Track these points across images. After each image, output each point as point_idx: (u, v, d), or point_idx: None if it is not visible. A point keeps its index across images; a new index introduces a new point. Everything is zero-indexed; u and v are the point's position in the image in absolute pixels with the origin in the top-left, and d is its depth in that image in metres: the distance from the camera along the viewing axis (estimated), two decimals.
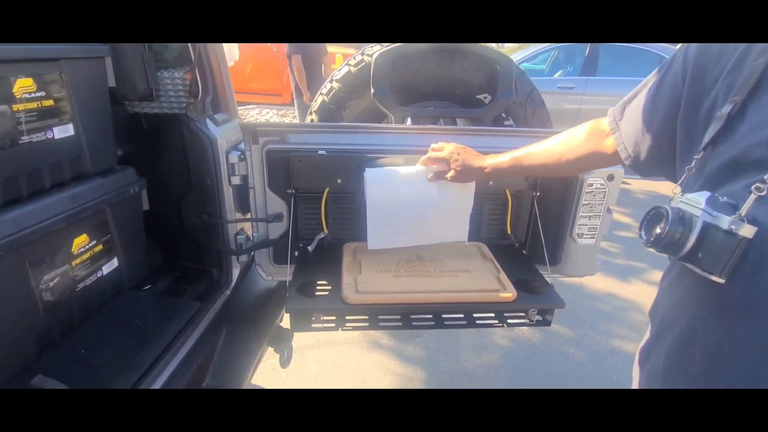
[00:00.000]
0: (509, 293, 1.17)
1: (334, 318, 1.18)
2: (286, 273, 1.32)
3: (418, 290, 1.17)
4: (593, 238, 1.45)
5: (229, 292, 1.43)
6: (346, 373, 2.18)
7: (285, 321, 1.44)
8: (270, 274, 1.45)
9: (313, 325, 1.16)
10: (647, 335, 0.82)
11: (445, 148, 1.17)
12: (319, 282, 1.24)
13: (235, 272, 1.47)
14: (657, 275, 0.82)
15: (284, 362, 1.49)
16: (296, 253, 1.40)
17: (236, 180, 1.34)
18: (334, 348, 2.35)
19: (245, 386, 1.27)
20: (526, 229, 1.49)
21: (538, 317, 1.24)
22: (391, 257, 1.32)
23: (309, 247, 1.40)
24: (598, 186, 1.37)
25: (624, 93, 0.84)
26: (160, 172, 1.32)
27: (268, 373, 2.14)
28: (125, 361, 1.04)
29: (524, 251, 1.50)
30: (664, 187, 5.13)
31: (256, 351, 1.32)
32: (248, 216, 1.39)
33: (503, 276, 1.24)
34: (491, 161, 1.10)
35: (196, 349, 1.20)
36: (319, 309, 1.13)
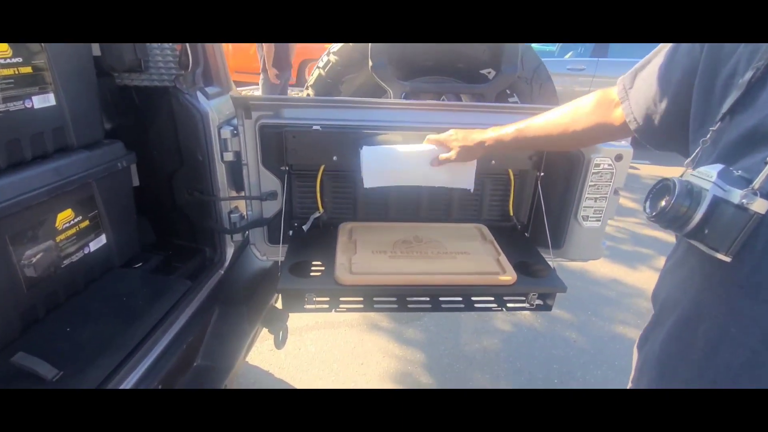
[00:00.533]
0: (509, 276, 1.13)
1: (327, 299, 1.14)
2: (281, 252, 1.29)
3: (413, 272, 1.13)
4: (599, 221, 1.39)
5: (222, 272, 1.40)
6: (344, 355, 2.17)
7: (280, 302, 1.41)
8: (265, 254, 1.42)
9: (305, 306, 1.12)
10: (649, 319, 0.78)
11: (443, 134, 1.14)
12: (313, 262, 1.21)
13: (229, 251, 1.43)
14: (663, 262, 0.79)
15: (279, 344, 1.46)
16: (290, 233, 1.36)
17: (229, 156, 1.30)
18: (333, 329, 2.33)
19: (238, 367, 1.24)
20: (528, 211, 1.44)
21: (539, 301, 1.20)
22: (388, 237, 1.28)
23: (304, 227, 1.37)
24: (606, 166, 1.31)
25: None
26: (150, 146, 1.28)
27: (266, 353, 2.13)
28: (111, 339, 1.01)
29: (526, 234, 1.45)
30: (675, 173, 5.02)
31: (249, 332, 1.30)
32: (242, 194, 1.35)
33: (503, 258, 1.20)
34: (492, 134, 1.05)
35: (187, 328, 1.17)
36: (312, 289, 1.10)
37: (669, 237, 3.03)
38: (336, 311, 1.15)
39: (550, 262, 1.27)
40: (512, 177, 1.39)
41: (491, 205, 1.45)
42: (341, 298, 1.14)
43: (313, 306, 1.13)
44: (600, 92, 0.85)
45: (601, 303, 2.67)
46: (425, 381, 2.05)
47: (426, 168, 1.17)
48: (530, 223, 1.44)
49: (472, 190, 1.23)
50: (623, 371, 2.16)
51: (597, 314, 2.56)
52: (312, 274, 1.18)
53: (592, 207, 1.37)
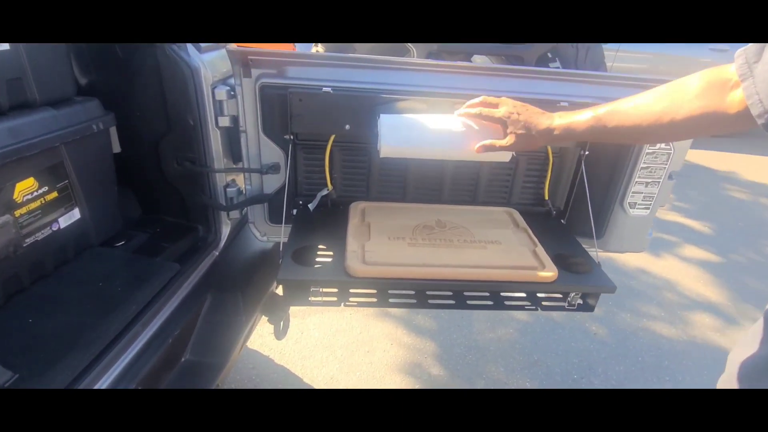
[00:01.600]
0: (549, 272, 0.96)
1: (335, 290, 0.98)
2: (282, 233, 1.12)
3: (438, 263, 0.96)
4: (648, 209, 1.22)
5: (217, 253, 1.24)
6: (350, 341, 2.03)
7: (281, 288, 1.25)
8: (265, 234, 1.26)
9: (310, 299, 0.97)
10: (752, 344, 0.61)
11: (501, 104, 0.92)
12: (319, 247, 1.04)
13: (225, 230, 1.27)
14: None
15: (279, 334, 1.32)
16: (294, 212, 1.19)
17: (225, 121, 1.12)
18: (338, 313, 2.19)
19: (232, 362, 1.10)
20: (567, 195, 1.26)
21: (579, 301, 1.03)
22: (406, 221, 1.11)
23: (309, 205, 1.20)
24: (663, 146, 1.12)
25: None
26: (133, 107, 1.10)
27: (267, 337, 1.99)
28: (82, 333, 0.86)
29: (563, 221, 1.28)
30: (703, 157, 4.79)
31: (245, 322, 1.15)
32: (240, 166, 1.18)
33: (540, 250, 1.03)
34: (562, 121, 0.84)
35: (174, 318, 1.02)
36: (318, 281, 0.94)
37: (695, 224, 2.83)
38: (345, 305, 0.99)
39: (592, 255, 1.10)
40: (551, 155, 1.21)
41: (524, 187, 1.27)
42: (351, 290, 0.98)
43: (319, 299, 0.97)
44: (708, 71, 0.66)
45: (623, 294, 2.51)
46: (435, 372, 1.91)
47: (453, 139, 0.99)
48: (568, 209, 1.26)
49: (508, 160, 1.05)
50: (648, 368, 2.02)
51: (619, 305, 2.40)
52: (317, 262, 1.01)
53: (642, 193, 1.19)
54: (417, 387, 1.82)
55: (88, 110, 0.99)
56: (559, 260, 1.03)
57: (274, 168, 1.14)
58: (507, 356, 2.03)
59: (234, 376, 1.79)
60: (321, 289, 0.95)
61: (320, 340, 2.03)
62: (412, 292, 1.01)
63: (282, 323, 1.32)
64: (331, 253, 1.01)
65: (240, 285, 1.21)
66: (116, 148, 1.10)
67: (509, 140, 0.90)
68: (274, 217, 1.22)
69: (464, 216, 1.16)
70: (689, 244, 3.04)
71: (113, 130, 1.07)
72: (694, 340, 2.21)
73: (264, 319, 1.34)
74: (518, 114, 0.88)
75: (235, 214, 1.27)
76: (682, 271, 2.77)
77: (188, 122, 1.08)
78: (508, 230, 1.12)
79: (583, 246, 1.15)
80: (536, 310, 1.04)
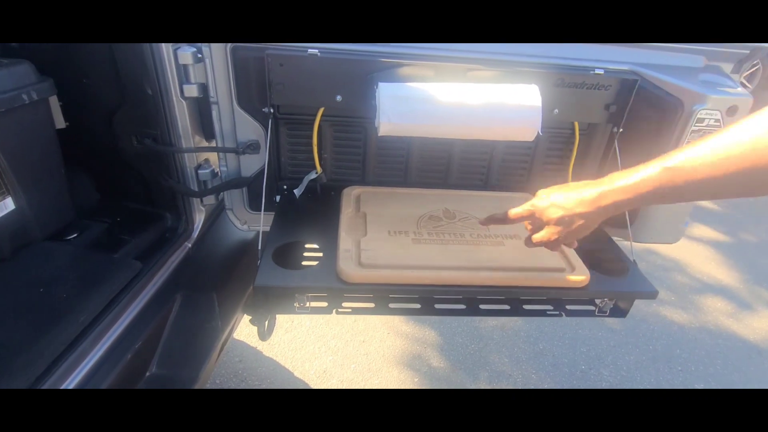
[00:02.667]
0: (580, 275, 0.81)
1: (325, 295, 0.83)
2: (262, 224, 0.96)
3: (448, 265, 0.80)
4: None
5: (190, 245, 1.07)
6: (344, 331, 1.90)
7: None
8: (246, 223, 1.10)
9: (295, 306, 0.81)
10: None
11: (545, 222, 0.71)
12: (306, 245, 0.88)
13: (199, 218, 1.10)
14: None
15: (263, 335, 1.17)
16: (277, 199, 1.02)
17: (192, 90, 0.93)
18: None
19: (207, 374, 0.95)
20: (595, 178, 1.09)
21: (611, 305, 0.89)
22: (409, 210, 0.95)
23: (295, 191, 1.03)
24: (712, 122, 0.95)
25: None
26: (77, 73, 0.91)
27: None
28: (20, 349, 0.70)
29: None
30: None
31: (223, 327, 0.99)
32: (213, 144, 1.00)
33: (568, 248, 0.87)
34: (615, 184, 0.64)
35: (136, 327, 0.86)
36: (304, 288, 0.78)
37: (706, 203, 2.68)
38: (338, 312, 0.84)
39: (622, 249, 0.95)
40: (577, 132, 1.04)
41: (545, 169, 1.10)
42: (345, 295, 0.83)
43: (305, 305, 0.82)
44: None
45: None
46: (436, 364, 1.79)
47: (468, 114, 0.82)
48: None
49: (532, 139, 0.88)
50: (659, 357, 1.91)
51: None
52: (304, 262, 0.86)
53: None
54: (416, 380, 1.70)
55: (17, 76, 0.79)
56: (587, 257, 0.87)
57: (252, 147, 0.97)
58: (511, 345, 1.91)
59: (218, 371, 1.66)
60: (308, 295, 0.80)
61: (312, 330, 1.89)
62: (416, 296, 0.86)
63: (267, 323, 1.17)
64: (320, 252, 0.85)
65: (216, 283, 1.05)
66: (60, 122, 0.91)
67: (549, 232, 0.71)
68: (255, 204, 1.05)
69: (475, 203, 1.00)
70: (700, 224, 2.90)
71: (54, 101, 0.88)
72: (706, 326, 2.10)
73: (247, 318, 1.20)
74: (561, 233, 0.70)
75: (210, 199, 1.09)
76: (692, 251, 2.65)
77: (146, 91, 0.89)
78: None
79: (613, 239, 1.00)
80: (560, 316, 0.90)
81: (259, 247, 0.83)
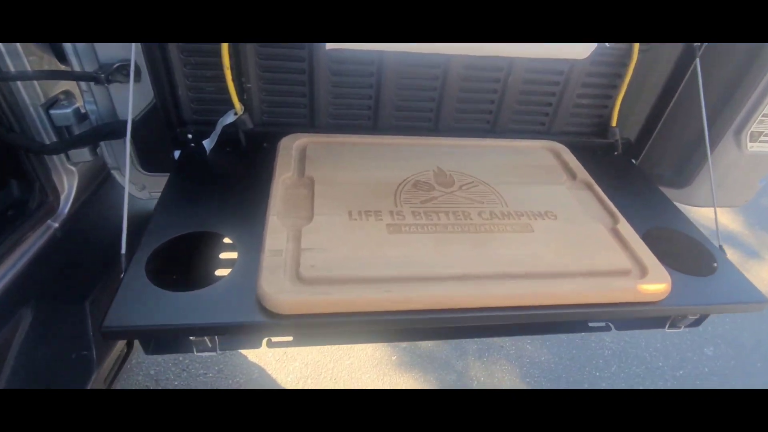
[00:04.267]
0: (658, 282, 0.50)
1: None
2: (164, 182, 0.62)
3: (448, 275, 0.48)
4: None
5: (57, 225, 0.72)
6: None
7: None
8: (145, 188, 0.75)
9: (193, 346, 0.49)
10: None
11: None
12: (211, 240, 0.54)
13: (69, 185, 0.74)
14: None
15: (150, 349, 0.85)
16: (176, 156, 0.66)
17: None
18: None
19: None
20: (647, 120, 0.76)
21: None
22: (382, 172, 0.61)
23: (205, 143, 0.66)
24: None
25: None
26: None
27: None
28: None
29: (634, 160, 0.80)
30: None
31: (100, 359, 0.66)
32: (64, 68, 0.62)
33: (627, 230, 0.56)
34: None
35: None
36: (195, 329, 0.44)
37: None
38: (270, 347, 0.52)
39: (693, 224, 0.65)
40: (636, 52, 0.69)
41: (578, 105, 0.76)
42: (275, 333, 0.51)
43: (214, 343, 0.49)
44: None
45: None
46: (429, 349, 1.53)
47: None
48: (648, 143, 0.77)
49: (586, 57, 0.55)
50: (664, 354, 1.69)
51: None
52: (211, 273, 0.52)
53: None
54: (394, 357, 1.44)
55: None
56: (652, 244, 0.56)
57: (125, 71, 0.59)
58: (516, 342, 1.66)
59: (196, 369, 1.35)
60: (206, 338, 0.47)
61: None
62: (398, 329, 0.54)
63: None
64: (234, 248, 0.51)
65: (95, 284, 0.71)
66: None
67: None
68: (149, 162, 0.69)
69: (482, 159, 0.66)
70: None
71: None
72: None
73: None
74: None
75: (80, 155, 0.72)
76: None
77: None
78: (560, 186, 0.64)
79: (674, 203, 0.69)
80: (609, 330, 0.60)
81: (122, 250, 0.48)
